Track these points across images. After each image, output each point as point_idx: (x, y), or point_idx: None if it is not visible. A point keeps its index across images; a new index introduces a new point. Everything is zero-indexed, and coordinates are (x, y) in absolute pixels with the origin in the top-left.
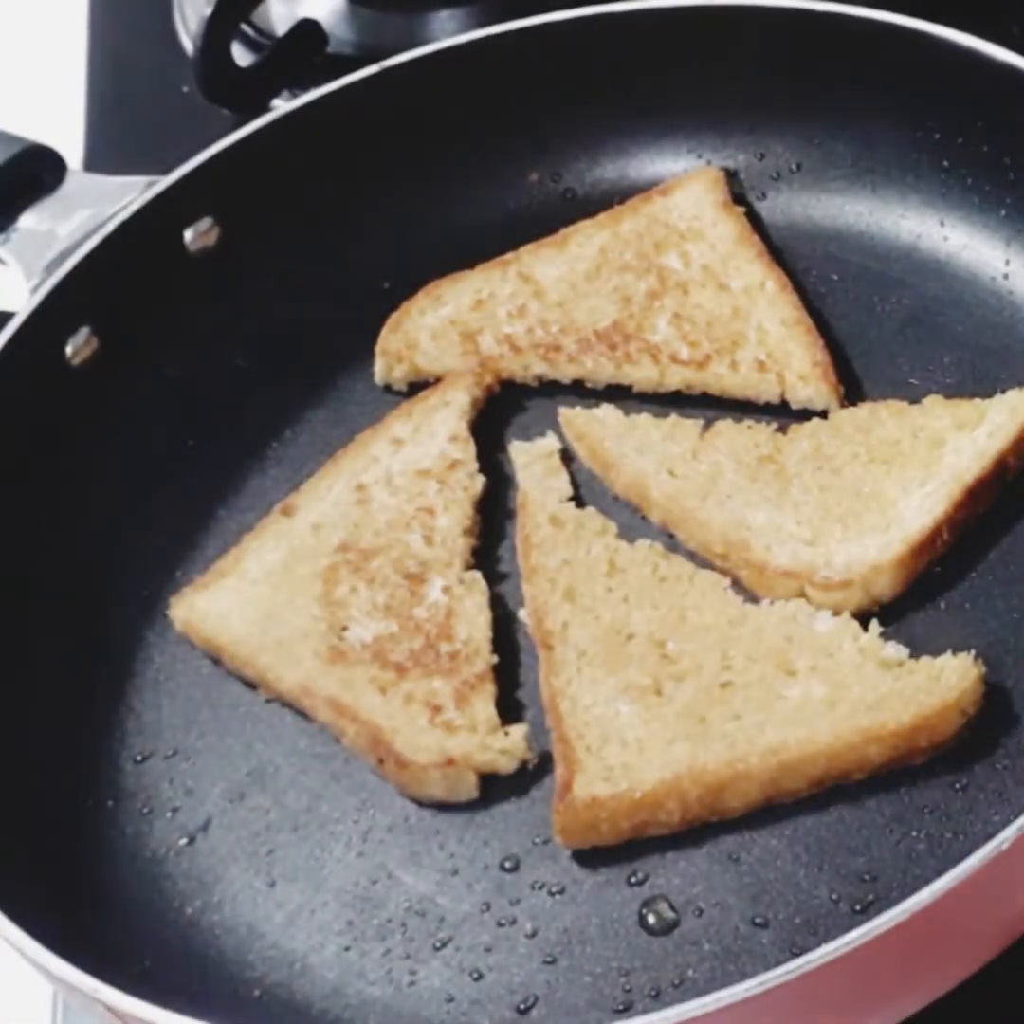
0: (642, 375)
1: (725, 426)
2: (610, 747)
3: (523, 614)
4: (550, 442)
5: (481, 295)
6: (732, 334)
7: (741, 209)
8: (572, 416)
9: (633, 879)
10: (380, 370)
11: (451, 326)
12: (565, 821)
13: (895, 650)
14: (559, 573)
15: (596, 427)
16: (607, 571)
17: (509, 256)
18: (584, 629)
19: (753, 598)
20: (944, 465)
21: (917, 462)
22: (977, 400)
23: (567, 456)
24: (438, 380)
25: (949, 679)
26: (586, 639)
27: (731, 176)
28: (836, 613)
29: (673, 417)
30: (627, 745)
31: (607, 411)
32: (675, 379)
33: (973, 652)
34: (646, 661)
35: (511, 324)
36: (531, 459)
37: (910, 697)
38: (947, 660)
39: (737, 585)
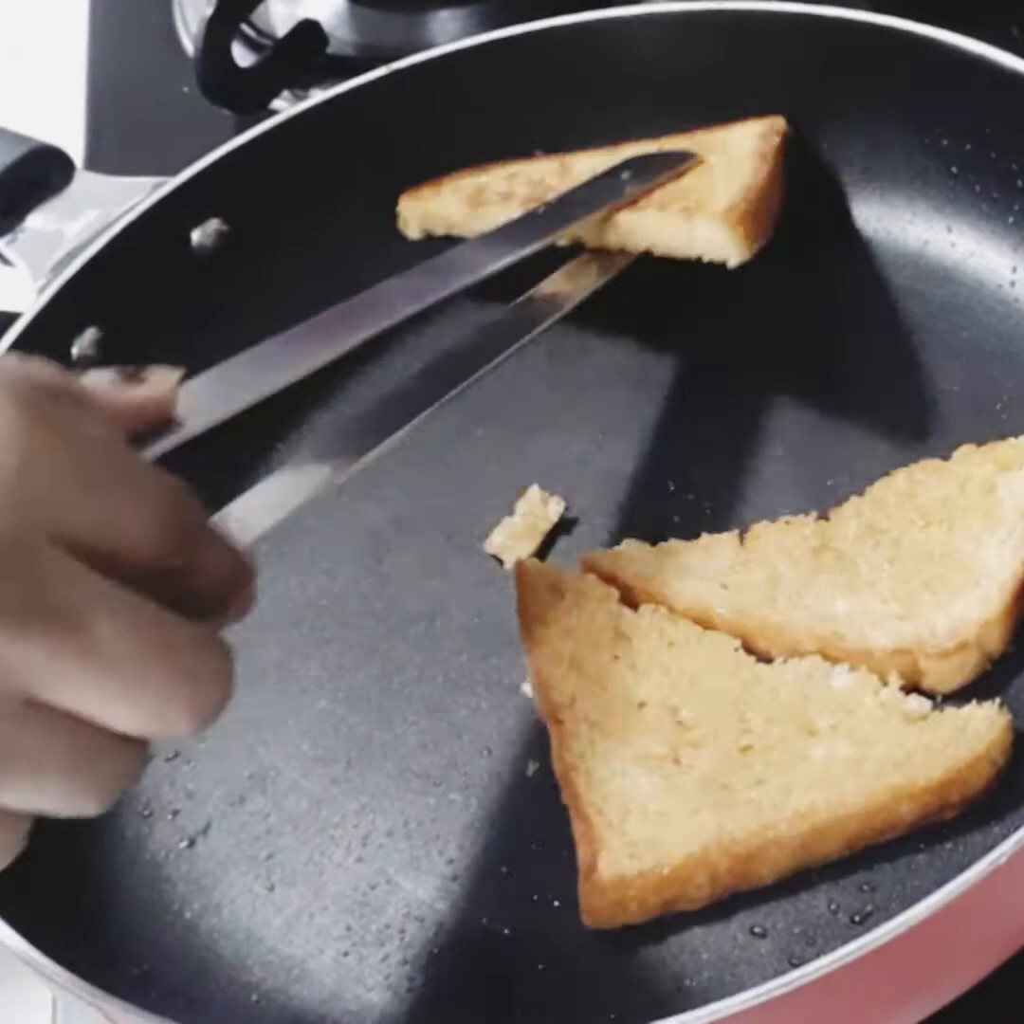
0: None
1: (762, 528)
2: (632, 821)
3: (526, 688)
4: (514, 520)
5: (514, 169)
6: (688, 188)
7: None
8: (597, 559)
9: None
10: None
11: (468, 185)
12: (592, 902)
13: (918, 703)
14: (563, 644)
15: (626, 565)
16: (612, 639)
17: (567, 156)
18: (593, 700)
19: (765, 658)
20: (1006, 508)
21: (976, 513)
22: (1010, 439)
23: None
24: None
25: (977, 730)
26: (596, 710)
27: None
28: (939, 680)
29: (704, 536)
30: (649, 818)
31: (631, 545)
32: (620, 226)
33: (998, 700)
34: (661, 729)
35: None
36: (506, 539)
37: (939, 750)
38: (973, 710)
39: (747, 646)
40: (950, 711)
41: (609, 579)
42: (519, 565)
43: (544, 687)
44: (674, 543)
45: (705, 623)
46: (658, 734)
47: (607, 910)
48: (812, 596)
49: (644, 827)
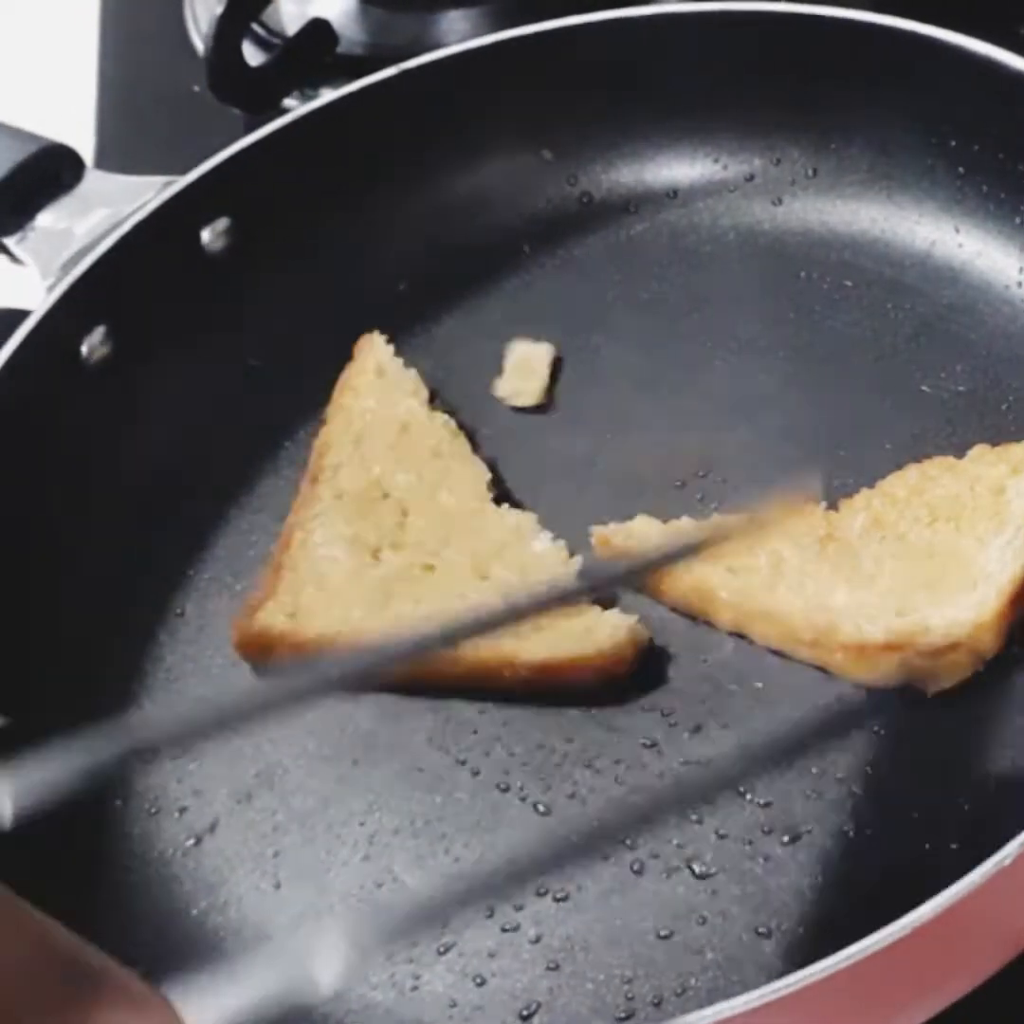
0: None
1: None
2: (308, 589)
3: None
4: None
5: None
6: None
7: None
8: (609, 534)
9: None
10: None
11: None
12: (240, 638)
13: None
14: (361, 418)
15: (637, 539)
16: (397, 431)
17: None
18: (352, 475)
19: (502, 499)
20: (1014, 511)
21: (983, 514)
22: None
23: None
24: None
25: (601, 633)
26: (349, 484)
27: (747, 180)
28: (931, 678)
29: (716, 517)
30: (323, 592)
31: (643, 522)
32: None
33: (637, 617)
34: (383, 523)
35: None
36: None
37: (558, 637)
38: (610, 616)
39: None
40: (595, 610)
41: (621, 553)
42: (366, 341)
43: (322, 447)
44: (686, 520)
45: (707, 604)
46: (379, 527)
47: (254, 652)
48: (813, 586)
49: (313, 598)
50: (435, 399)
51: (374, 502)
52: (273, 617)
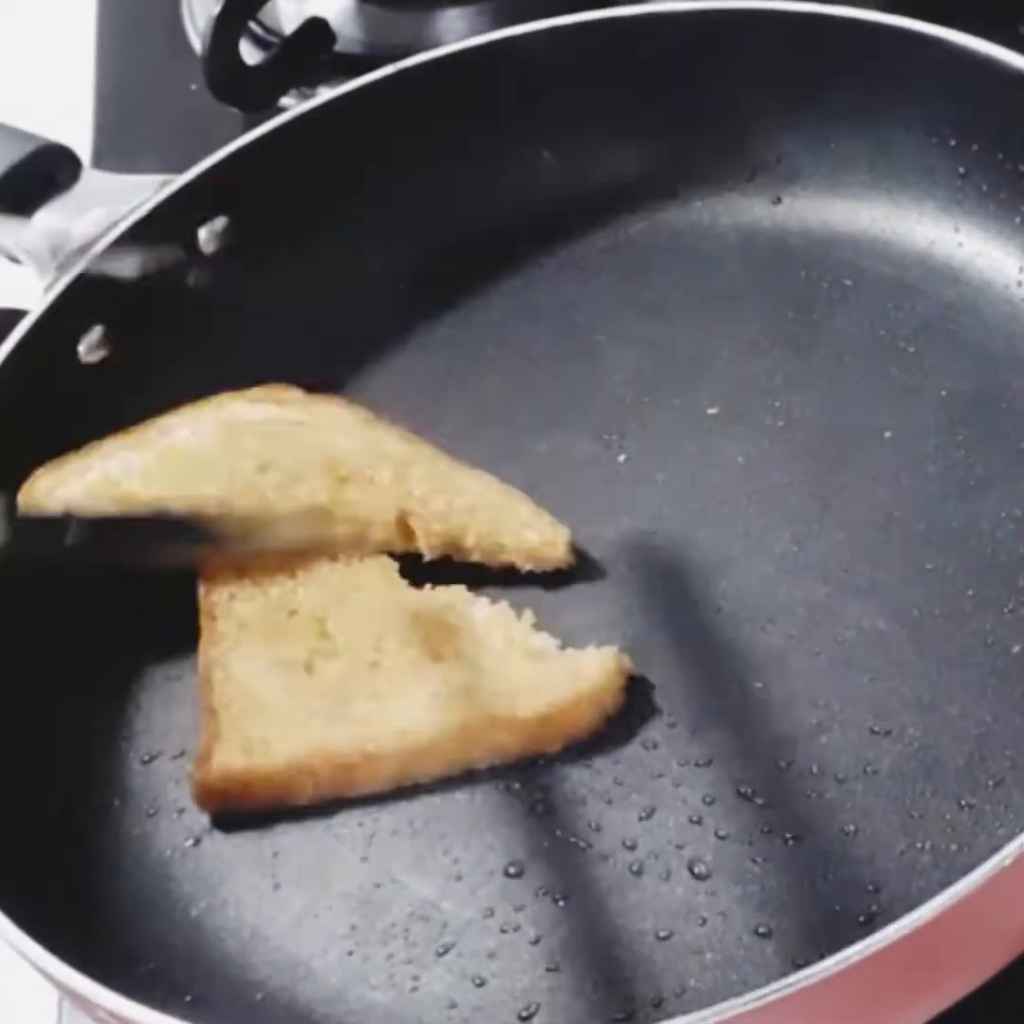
0: None
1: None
2: (253, 720)
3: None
4: None
5: None
6: None
7: None
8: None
9: None
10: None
11: None
12: (200, 790)
13: (543, 641)
14: None
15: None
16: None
17: None
18: (250, 603)
19: (419, 582)
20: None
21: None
22: None
23: None
24: None
25: (588, 671)
26: (250, 612)
27: (747, 180)
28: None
29: None
30: (270, 719)
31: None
32: None
33: (617, 646)
34: (304, 637)
35: None
36: None
37: (547, 687)
38: (590, 653)
39: (406, 568)
40: (570, 652)
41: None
42: None
43: (207, 583)
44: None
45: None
46: (301, 642)
47: (216, 798)
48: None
49: (262, 726)
50: None
51: (285, 621)
52: (229, 758)
